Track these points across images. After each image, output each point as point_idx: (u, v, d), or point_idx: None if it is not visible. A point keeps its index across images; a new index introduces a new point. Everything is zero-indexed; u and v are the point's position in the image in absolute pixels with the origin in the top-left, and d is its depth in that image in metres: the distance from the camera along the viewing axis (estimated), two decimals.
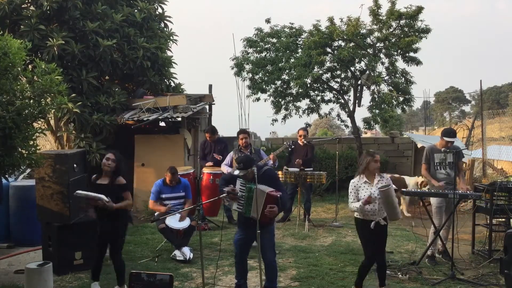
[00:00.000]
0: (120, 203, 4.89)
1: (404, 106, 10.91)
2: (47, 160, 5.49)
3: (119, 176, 4.95)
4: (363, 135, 13.75)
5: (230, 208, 7.80)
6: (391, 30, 10.45)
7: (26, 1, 8.73)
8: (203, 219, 7.81)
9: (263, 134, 16.90)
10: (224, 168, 7.55)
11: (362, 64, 10.58)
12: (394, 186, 4.81)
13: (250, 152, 7.42)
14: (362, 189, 4.78)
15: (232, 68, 11.19)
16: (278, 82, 10.92)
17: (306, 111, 11.18)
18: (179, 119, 9.47)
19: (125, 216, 5.09)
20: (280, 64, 10.73)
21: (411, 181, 9.20)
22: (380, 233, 4.77)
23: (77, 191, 4.92)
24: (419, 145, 10.77)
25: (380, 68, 10.53)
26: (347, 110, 11.06)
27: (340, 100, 11.18)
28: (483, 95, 14.68)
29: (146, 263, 5.94)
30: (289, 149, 8.10)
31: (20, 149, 5.02)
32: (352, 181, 4.90)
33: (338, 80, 11.09)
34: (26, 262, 5.45)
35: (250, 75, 11.06)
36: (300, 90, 10.61)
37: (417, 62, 10.48)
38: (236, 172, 4.69)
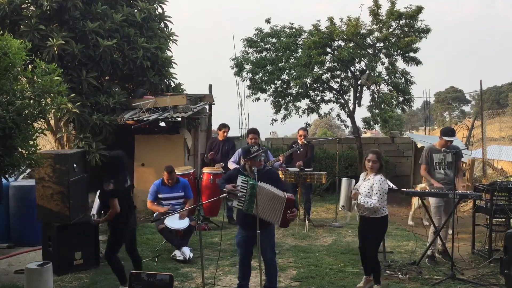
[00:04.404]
0: (104, 217, 4.96)
1: (404, 106, 10.91)
2: (47, 160, 5.48)
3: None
4: (363, 135, 13.75)
5: (230, 208, 7.84)
6: (391, 30, 10.45)
7: (26, 1, 8.73)
8: (203, 219, 7.81)
9: (263, 134, 16.82)
10: (232, 165, 7.53)
11: (362, 64, 10.58)
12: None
13: None
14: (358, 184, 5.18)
15: (232, 68, 11.20)
16: (278, 82, 10.91)
17: (306, 111, 11.17)
18: (179, 119, 9.47)
19: (116, 221, 4.93)
20: (280, 64, 10.73)
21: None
22: (364, 228, 5.02)
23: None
24: (419, 145, 10.76)
25: (380, 68, 10.54)
26: (347, 110, 11.06)
27: (340, 100, 11.18)
28: (483, 95, 14.66)
29: (146, 263, 5.93)
30: (298, 152, 8.09)
31: (20, 149, 5.02)
32: None
33: (338, 80, 11.08)
34: (26, 262, 5.45)
35: (250, 75, 11.05)
36: (300, 90, 10.61)
37: (417, 62, 10.47)
38: (255, 148, 4.74)
